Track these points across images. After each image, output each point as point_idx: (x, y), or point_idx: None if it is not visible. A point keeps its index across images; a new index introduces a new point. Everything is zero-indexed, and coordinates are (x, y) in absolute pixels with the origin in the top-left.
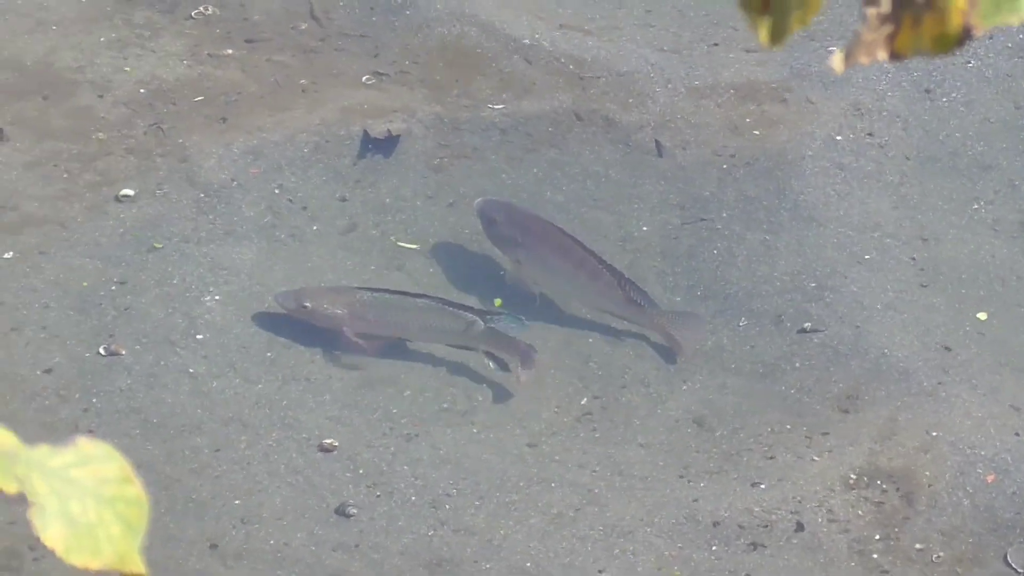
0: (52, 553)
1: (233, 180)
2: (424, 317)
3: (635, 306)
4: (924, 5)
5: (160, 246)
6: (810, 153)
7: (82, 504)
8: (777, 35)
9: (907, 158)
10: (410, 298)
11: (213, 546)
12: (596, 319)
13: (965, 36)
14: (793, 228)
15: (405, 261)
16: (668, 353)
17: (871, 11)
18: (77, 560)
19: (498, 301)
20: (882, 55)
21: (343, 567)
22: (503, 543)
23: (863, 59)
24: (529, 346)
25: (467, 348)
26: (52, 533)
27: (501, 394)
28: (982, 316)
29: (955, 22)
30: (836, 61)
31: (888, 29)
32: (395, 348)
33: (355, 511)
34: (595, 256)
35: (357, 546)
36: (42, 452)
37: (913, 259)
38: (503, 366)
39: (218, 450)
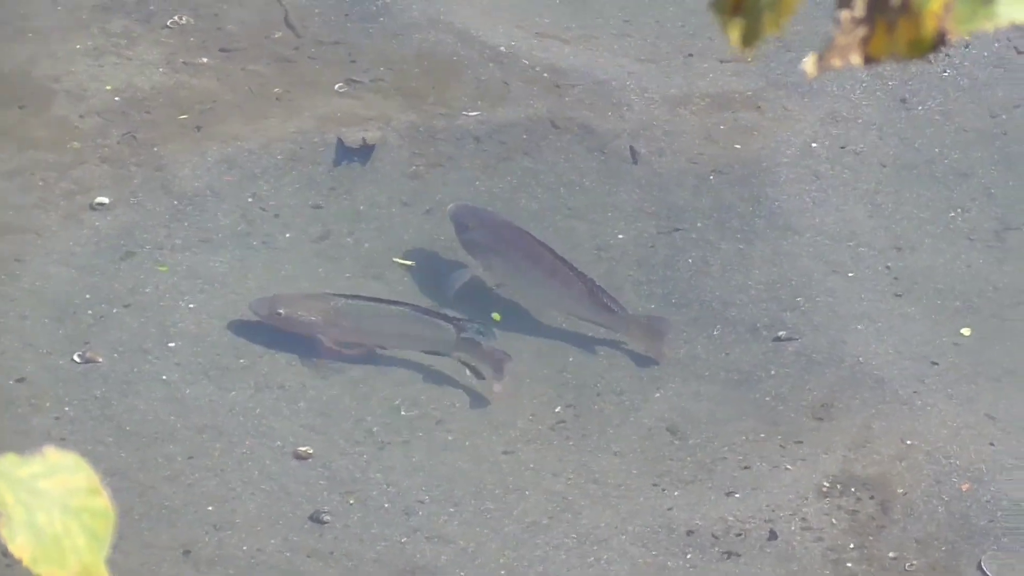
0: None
1: (208, 188)
2: (398, 325)
3: (607, 311)
4: (899, 9)
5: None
6: (785, 161)
7: (49, 515)
8: (749, 38)
9: (883, 166)
10: (384, 305)
11: (186, 552)
12: (569, 327)
13: (940, 41)
14: (768, 236)
15: (381, 269)
16: (642, 360)
17: (844, 14)
18: (43, 571)
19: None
20: (856, 59)
21: (317, 574)
22: (477, 551)
23: (836, 62)
24: (503, 354)
25: (442, 355)
26: (19, 543)
27: (476, 402)
28: (961, 328)
29: (930, 26)
30: (809, 64)
31: (862, 33)
32: (369, 355)
33: (329, 518)
34: (566, 263)
35: (331, 553)
36: (10, 462)
37: (888, 268)
38: (479, 374)
39: (191, 457)
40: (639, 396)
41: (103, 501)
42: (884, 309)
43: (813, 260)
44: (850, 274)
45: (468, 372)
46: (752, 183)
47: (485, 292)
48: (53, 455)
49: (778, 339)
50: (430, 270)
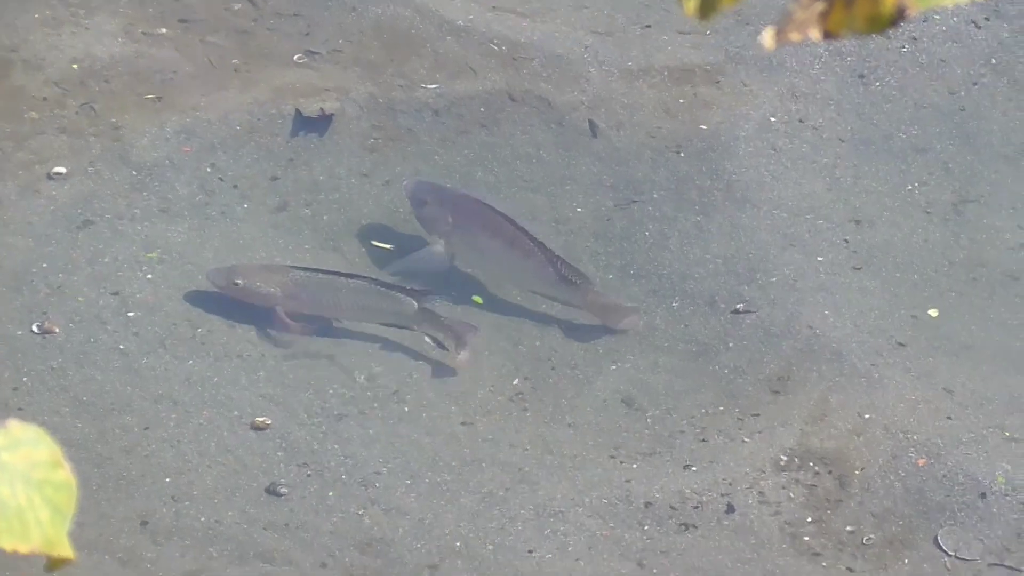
0: None
1: (166, 159)
2: (358, 297)
3: (568, 284)
4: None
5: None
6: (744, 135)
7: (11, 488)
8: (706, 9)
9: (841, 141)
10: (343, 278)
11: (144, 523)
12: (527, 302)
13: (898, 16)
14: (726, 210)
15: (339, 241)
16: (598, 332)
17: None
18: (6, 544)
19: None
20: (814, 33)
21: (273, 546)
22: (434, 522)
23: (794, 36)
24: (468, 326)
25: (403, 328)
26: None
27: (435, 373)
28: (923, 305)
29: (888, 2)
30: (767, 38)
31: (820, 7)
32: (328, 327)
33: (286, 490)
34: (527, 234)
35: (287, 525)
36: None
37: (846, 241)
38: (442, 345)
39: (148, 428)
40: (592, 369)
41: (66, 474)
42: (842, 283)
43: (771, 233)
44: (808, 248)
45: (431, 342)
46: (710, 157)
47: (455, 272)
48: (16, 428)
49: (736, 312)
50: (389, 242)
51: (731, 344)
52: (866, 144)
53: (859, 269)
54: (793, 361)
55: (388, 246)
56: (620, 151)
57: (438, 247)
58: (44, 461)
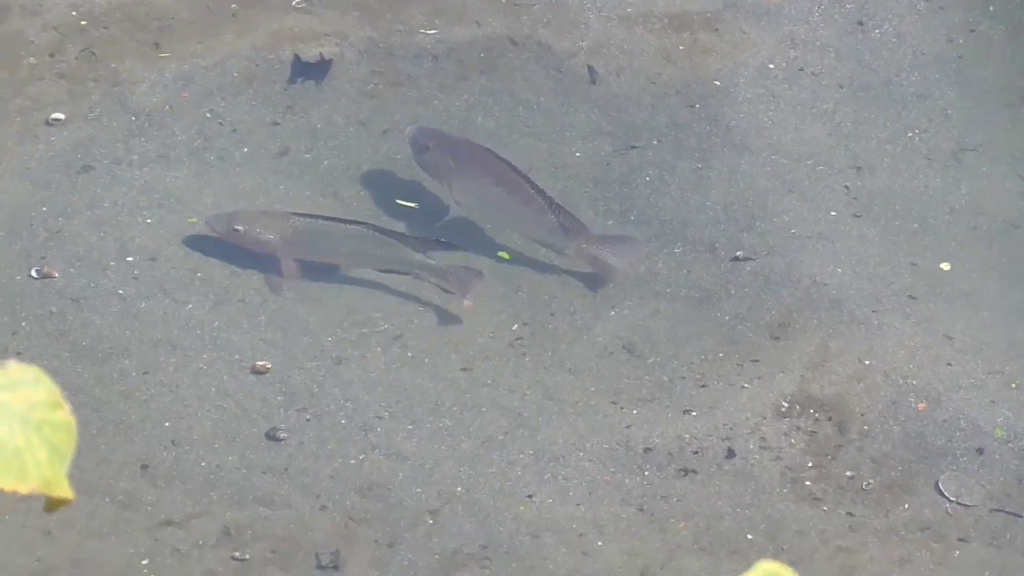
0: None
1: (165, 104)
2: (359, 244)
3: (566, 233)
4: None
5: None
6: (743, 82)
7: (9, 427)
8: None
9: (840, 87)
10: (345, 225)
11: (144, 467)
12: (527, 248)
13: None
14: (725, 156)
15: (338, 187)
16: (598, 278)
17: None
18: (4, 484)
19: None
20: None
21: (273, 490)
22: (434, 467)
23: None
24: (473, 272)
25: (405, 275)
26: None
27: (436, 319)
28: (920, 251)
29: None
30: None
31: None
32: (329, 271)
33: (285, 435)
34: (529, 181)
35: (286, 470)
36: None
37: (847, 188)
38: (447, 290)
39: (147, 373)
40: (593, 315)
41: (65, 415)
42: (842, 230)
43: (770, 180)
44: (808, 194)
45: (439, 287)
46: (709, 103)
47: (424, 208)
48: (14, 369)
49: (736, 259)
50: (388, 189)
51: (732, 291)
52: (865, 90)
53: (859, 216)
54: (793, 308)
55: (412, 204)
56: (619, 97)
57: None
58: (43, 402)
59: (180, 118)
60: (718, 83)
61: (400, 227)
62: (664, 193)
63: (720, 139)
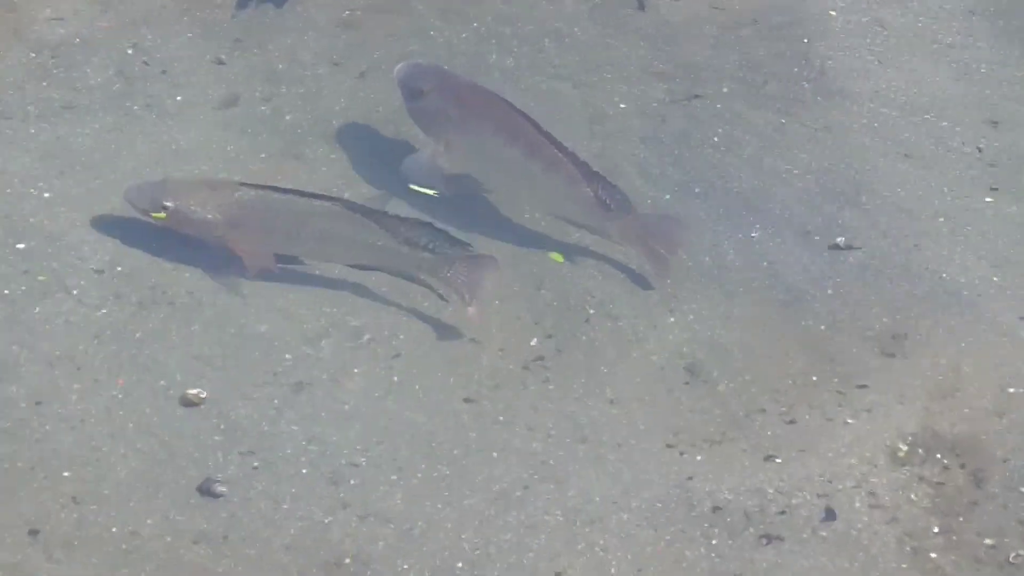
0: None
1: (76, 37)
2: (329, 227)
3: (605, 209)
4: None
5: None
6: (840, 4)
7: None
8: None
9: (971, 13)
10: (309, 199)
11: (33, 532)
12: (551, 227)
13: None
14: (817, 107)
15: (304, 148)
16: (646, 274)
17: None
18: None
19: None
20: None
21: (207, 565)
22: (427, 533)
23: None
24: (481, 263)
25: (390, 271)
26: None
27: (431, 331)
28: None
29: None
30: None
31: None
32: (288, 264)
33: (224, 489)
34: (552, 140)
35: (226, 538)
36: None
37: (979, 150)
38: (443, 296)
39: (39, 403)
40: (644, 322)
41: None
42: (975, 207)
43: (877, 139)
44: (929, 159)
45: (435, 292)
46: (794, 36)
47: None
48: None
49: (835, 247)
50: (367, 150)
51: (829, 291)
52: (1006, 18)
53: (996, 189)
54: (911, 313)
55: (432, 191)
56: (674, 27)
57: (429, 152)
58: None
59: (94, 54)
60: (807, 8)
61: (387, 205)
62: (737, 157)
63: (811, 84)
